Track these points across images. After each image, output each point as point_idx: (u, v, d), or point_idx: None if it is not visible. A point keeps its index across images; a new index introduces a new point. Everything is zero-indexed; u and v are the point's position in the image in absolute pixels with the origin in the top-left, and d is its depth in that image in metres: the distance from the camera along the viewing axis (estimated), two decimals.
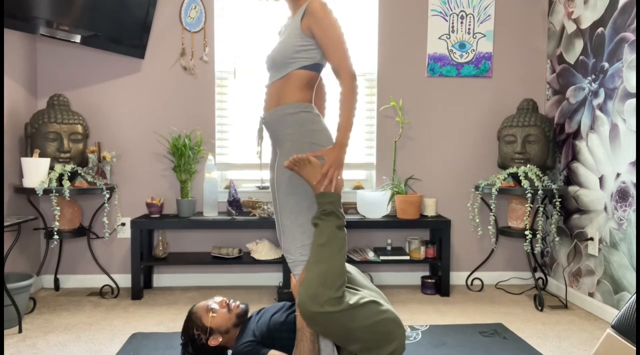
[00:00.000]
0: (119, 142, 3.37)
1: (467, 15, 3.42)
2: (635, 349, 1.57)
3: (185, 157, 3.17)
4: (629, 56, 2.61)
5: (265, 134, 2.02)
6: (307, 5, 1.82)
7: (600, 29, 2.87)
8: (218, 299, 2.00)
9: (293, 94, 1.84)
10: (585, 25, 3.02)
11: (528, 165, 3.07)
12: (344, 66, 1.79)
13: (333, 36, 1.78)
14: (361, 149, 3.52)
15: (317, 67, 1.87)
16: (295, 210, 1.81)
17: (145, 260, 3.15)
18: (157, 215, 3.20)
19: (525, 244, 3.04)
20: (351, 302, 1.70)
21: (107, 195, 3.06)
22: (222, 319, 1.93)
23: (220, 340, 1.91)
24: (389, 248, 3.36)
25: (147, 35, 3.27)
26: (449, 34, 3.43)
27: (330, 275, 1.70)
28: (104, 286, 3.22)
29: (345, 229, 1.82)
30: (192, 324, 1.93)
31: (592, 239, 2.91)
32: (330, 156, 1.79)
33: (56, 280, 3.27)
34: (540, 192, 2.94)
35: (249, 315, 2.07)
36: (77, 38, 2.99)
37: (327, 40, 1.78)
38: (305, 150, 1.80)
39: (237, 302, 2.00)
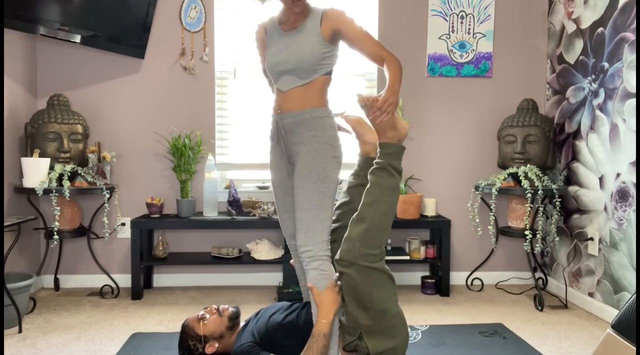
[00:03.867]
0: (119, 142, 3.37)
1: (467, 15, 3.43)
2: (635, 349, 1.57)
3: (185, 157, 3.17)
4: (629, 56, 2.61)
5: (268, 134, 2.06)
6: (324, 12, 1.91)
7: (600, 29, 2.87)
8: (207, 308, 2.01)
9: (318, 98, 1.93)
10: (585, 25, 3.02)
11: (528, 165, 3.07)
12: (382, 51, 1.87)
13: (362, 31, 1.89)
14: None
15: (332, 72, 1.98)
16: (319, 207, 1.86)
17: (145, 260, 3.15)
18: (157, 215, 3.20)
19: (525, 244, 3.04)
20: (385, 268, 1.80)
21: (107, 195, 3.06)
22: (214, 324, 1.93)
23: (217, 346, 1.91)
24: (389, 248, 3.36)
25: (147, 35, 3.27)
26: (449, 34, 3.43)
27: (370, 233, 1.77)
28: (104, 286, 3.22)
29: (398, 189, 1.87)
30: (186, 336, 1.93)
31: (592, 239, 2.91)
32: (388, 96, 1.80)
33: (56, 280, 3.27)
34: (540, 192, 2.94)
35: (248, 318, 2.07)
36: (77, 38, 2.99)
37: (360, 37, 1.88)
38: (327, 151, 1.89)
39: (227, 306, 2.00)
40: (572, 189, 3.13)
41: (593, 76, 2.93)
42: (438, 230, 3.24)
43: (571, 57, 3.18)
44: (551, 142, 3.18)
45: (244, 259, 3.16)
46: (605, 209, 2.80)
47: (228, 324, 1.95)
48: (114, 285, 3.28)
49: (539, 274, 3.44)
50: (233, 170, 3.49)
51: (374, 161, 1.88)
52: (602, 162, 2.84)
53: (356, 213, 1.83)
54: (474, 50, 3.45)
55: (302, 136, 1.91)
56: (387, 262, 3.19)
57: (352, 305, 1.79)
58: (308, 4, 1.94)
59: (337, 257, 1.80)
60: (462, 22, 3.43)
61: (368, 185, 1.85)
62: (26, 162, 2.89)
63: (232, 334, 1.96)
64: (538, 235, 3.03)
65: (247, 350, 1.82)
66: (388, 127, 1.86)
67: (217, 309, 1.98)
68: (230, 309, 1.99)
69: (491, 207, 3.11)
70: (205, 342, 1.91)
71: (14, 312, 2.53)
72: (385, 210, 1.80)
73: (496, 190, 3.04)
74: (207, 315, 1.95)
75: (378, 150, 1.89)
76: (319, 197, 1.86)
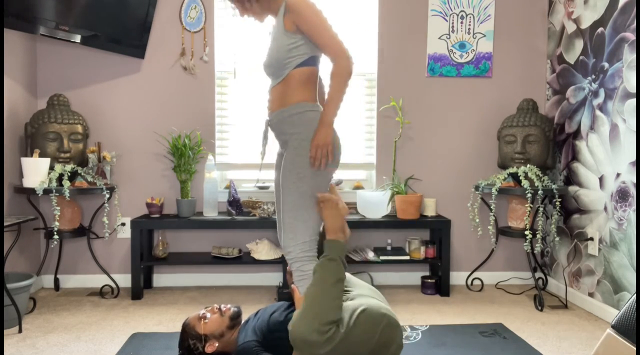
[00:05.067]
0: (119, 142, 3.37)
1: (467, 15, 3.43)
2: (635, 349, 1.57)
3: (185, 157, 3.17)
4: (629, 56, 2.61)
5: (271, 135, 2.04)
6: (285, 3, 1.84)
7: (600, 29, 2.87)
8: (208, 307, 2.01)
9: (297, 94, 1.87)
10: (585, 25, 3.02)
11: (528, 165, 3.07)
12: (333, 46, 1.80)
13: (317, 23, 1.80)
14: (361, 149, 3.52)
15: (313, 60, 1.90)
16: (298, 207, 1.82)
17: (145, 260, 3.15)
18: (157, 215, 3.20)
19: (525, 244, 3.04)
20: (345, 323, 1.69)
21: (107, 195, 3.06)
22: (215, 324, 1.93)
23: (217, 345, 1.91)
24: (389, 248, 3.36)
25: (147, 35, 3.27)
26: (449, 34, 3.43)
27: (324, 321, 1.67)
28: (104, 286, 3.22)
29: (344, 280, 1.82)
30: (186, 335, 1.93)
31: (592, 239, 2.91)
32: (316, 137, 1.82)
33: (56, 280, 3.27)
34: (540, 192, 2.94)
35: (247, 317, 2.07)
36: (77, 38, 2.99)
37: (313, 29, 1.80)
38: (308, 149, 1.83)
39: (228, 305, 2.00)
40: (572, 189, 3.13)
41: (593, 76, 2.93)
42: (438, 230, 3.24)
43: (571, 57, 3.18)
44: (551, 142, 3.18)
45: (244, 259, 3.16)
46: (605, 209, 2.80)
47: (229, 323, 1.95)
48: (114, 285, 3.29)
49: (539, 274, 3.44)
50: (233, 170, 3.49)
51: (324, 255, 1.83)
52: (602, 162, 2.84)
53: (303, 301, 1.75)
54: (474, 50, 3.45)
55: (286, 135, 1.89)
56: (387, 262, 3.21)
57: None
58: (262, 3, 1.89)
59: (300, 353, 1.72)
60: (462, 22, 3.43)
61: (315, 275, 1.78)
62: (26, 162, 2.89)
63: (232, 333, 1.96)
64: (538, 235, 3.03)
65: (252, 349, 1.82)
66: (339, 229, 1.86)
67: (219, 308, 1.98)
68: (232, 309, 1.99)
69: (491, 207, 3.11)
70: (206, 341, 1.91)
71: (14, 312, 2.54)
72: (334, 297, 1.74)
73: (496, 190, 3.04)
74: (208, 315, 1.95)
75: (327, 245, 1.85)
76: (300, 197, 1.82)
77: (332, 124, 1.83)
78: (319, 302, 1.71)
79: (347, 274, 1.98)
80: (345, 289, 1.88)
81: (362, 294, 1.86)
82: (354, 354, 1.70)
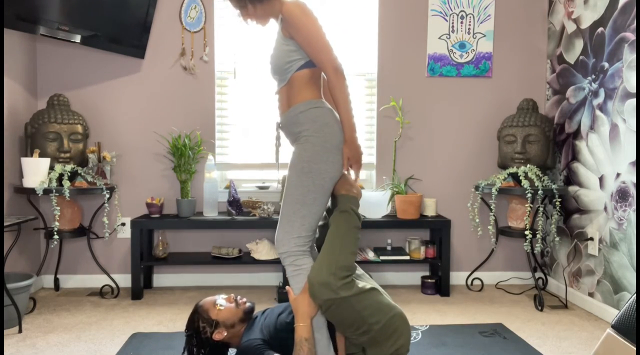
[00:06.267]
0: (119, 142, 3.37)
1: (467, 15, 3.42)
2: (635, 349, 1.57)
3: (185, 157, 3.17)
4: (629, 56, 2.61)
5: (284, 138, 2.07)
6: (282, 10, 1.84)
7: (600, 29, 2.87)
8: (225, 295, 2.02)
9: (300, 94, 1.90)
10: (585, 25, 3.02)
11: (528, 165, 3.07)
12: (324, 61, 1.81)
13: (308, 35, 1.80)
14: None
15: (312, 62, 1.90)
16: (300, 201, 1.83)
17: (145, 260, 3.15)
18: (157, 215, 3.20)
19: (525, 244, 3.04)
20: (359, 285, 1.78)
21: (107, 195, 3.06)
22: (229, 313, 1.94)
23: (225, 334, 1.92)
24: (389, 248, 3.36)
25: (147, 35, 3.27)
26: (449, 34, 3.43)
27: (340, 265, 1.76)
28: (104, 286, 3.22)
29: (359, 229, 1.92)
30: (198, 316, 1.94)
31: (592, 239, 2.91)
32: (346, 155, 1.90)
33: (56, 280, 3.27)
34: (540, 192, 2.94)
35: (254, 314, 2.08)
36: (77, 38, 2.99)
37: (304, 41, 1.82)
38: (314, 144, 1.85)
39: (245, 299, 2.02)
40: (572, 189, 3.13)
41: (593, 76, 2.93)
42: (438, 230, 3.24)
43: (571, 57, 3.18)
44: (551, 142, 3.18)
45: (244, 259, 3.16)
46: (605, 209, 2.80)
47: (242, 316, 1.96)
48: (114, 285, 3.29)
49: (539, 274, 3.44)
50: (233, 170, 3.49)
51: (337, 208, 1.91)
52: (602, 162, 2.84)
53: (322, 248, 1.82)
54: (474, 50, 3.45)
55: (294, 133, 1.92)
56: (387, 262, 3.21)
57: (349, 332, 1.79)
58: (266, 8, 1.87)
59: (314, 299, 1.77)
60: (462, 22, 3.43)
61: (333, 224, 1.86)
62: (26, 162, 2.89)
63: (242, 327, 1.96)
64: (538, 235, 3.03)
65: (255, 347, 1.82)
66: (347, 184, 1.96)
67: (235, 299, 1.99)
68: (248, 304, 2.00)
69: (491, 207, 3.11)
70: (216, 327, 1.91)
71: (14, 312, 2.54)
72: (352, 242, 1.83)
73: (496, 190, 3.04)
74: (224, 302, 1.96)
75: (340, 201, 1.92)
76: (302, 191, 1.83)
77: (354, 134, 1.87)
78: (334, 247, 1.80)
79: (364, 276, 1.99)
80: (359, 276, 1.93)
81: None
82: (362, 322, 1.74)
